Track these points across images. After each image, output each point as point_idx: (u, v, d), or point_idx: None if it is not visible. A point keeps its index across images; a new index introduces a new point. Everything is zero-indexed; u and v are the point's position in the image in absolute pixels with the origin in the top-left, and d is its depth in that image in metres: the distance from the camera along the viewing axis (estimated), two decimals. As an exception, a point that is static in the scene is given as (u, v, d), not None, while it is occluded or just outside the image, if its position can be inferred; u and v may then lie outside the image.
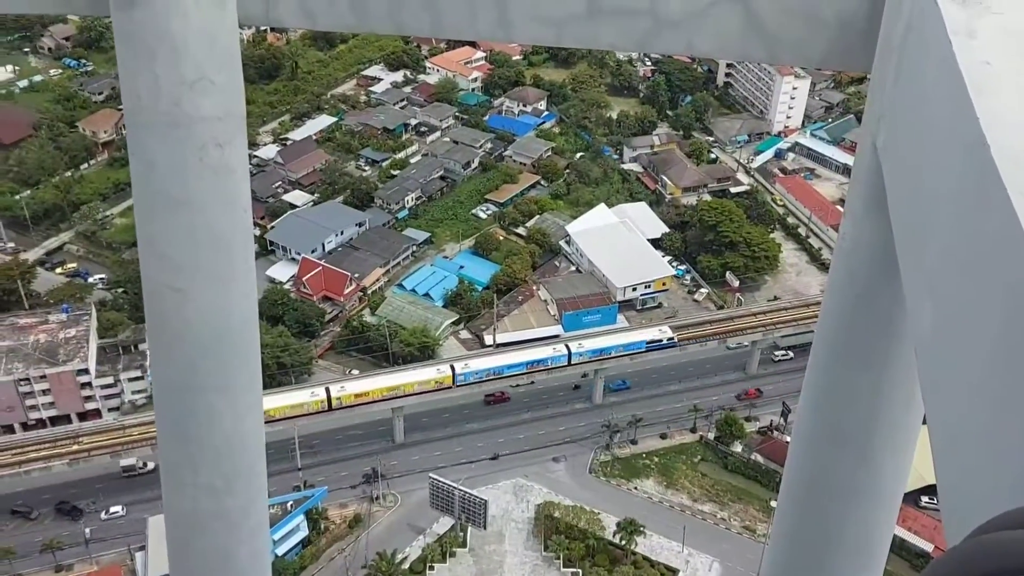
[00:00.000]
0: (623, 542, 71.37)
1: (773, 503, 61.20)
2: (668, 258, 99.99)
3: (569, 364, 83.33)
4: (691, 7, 4.12)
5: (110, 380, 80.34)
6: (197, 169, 4.66)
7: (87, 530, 71.38)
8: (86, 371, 78.92)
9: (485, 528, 71.85)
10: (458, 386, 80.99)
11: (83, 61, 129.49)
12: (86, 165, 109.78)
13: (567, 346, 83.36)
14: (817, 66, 4.45)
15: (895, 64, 3.56)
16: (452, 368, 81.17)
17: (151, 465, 73.02)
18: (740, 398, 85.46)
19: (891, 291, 3.89)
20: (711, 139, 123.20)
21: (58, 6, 4.75)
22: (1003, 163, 2.12)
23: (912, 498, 69.62)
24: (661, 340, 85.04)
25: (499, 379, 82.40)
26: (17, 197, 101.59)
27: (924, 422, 3.02)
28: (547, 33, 4.36)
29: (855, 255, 4.11)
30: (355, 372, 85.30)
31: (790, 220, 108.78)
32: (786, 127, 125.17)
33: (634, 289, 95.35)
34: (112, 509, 73.57)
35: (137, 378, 79.84)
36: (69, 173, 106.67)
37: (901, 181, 3.31)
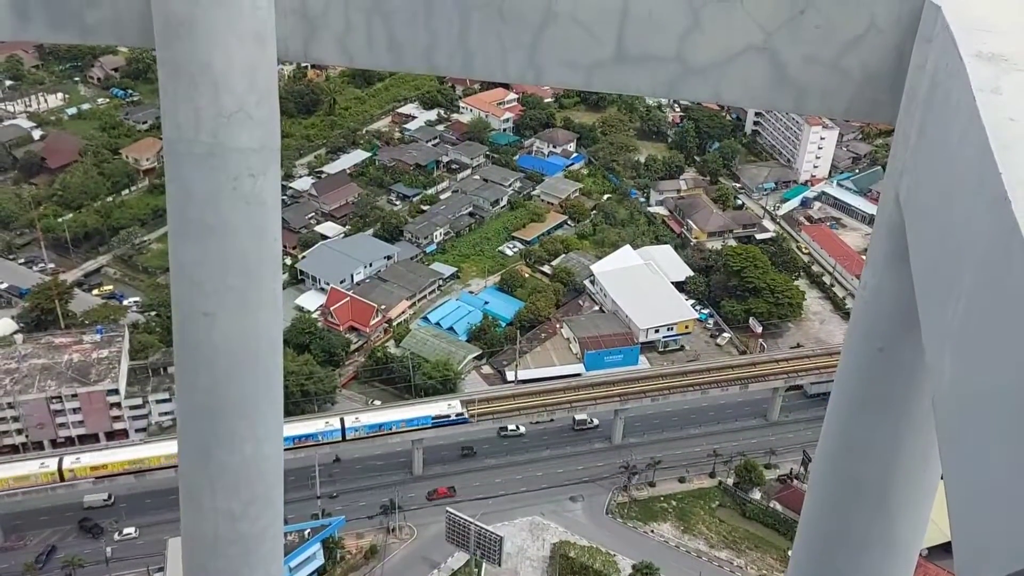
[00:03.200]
0: (639, 588, 69.87)
1: (791, 552, 59.29)
2: (692, 301, 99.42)
3: (343, 440, 76.80)
4: (718, 56, 4.19)
5: (139, 401, 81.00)
6: (230, 198, 4.78)
7: (108, 549, 71.40)
8: (116, 391, 79.64)
9: (500, 565, 70.78)
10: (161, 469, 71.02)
11: (130, 91, 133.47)
12: (127, 191, 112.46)
13: (342, 420, 77.19)
14: (842, 117, 4.49)
15: (919, 118, 3.59)
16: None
17: None
18: (430, 496, 77.56)
19: (911, 343, 3.86)
20: (738, 185, 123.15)
21: (108, 37, 4.93)
22: None
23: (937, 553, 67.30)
24: (449, 416, 79.23)
25: None
26: (60, 220, 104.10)
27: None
28: (576, 77, 4.45)
29: (875, 305, 4.10)
30: (377, 403, 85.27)
31: (815, 268, 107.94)
32: (813, 176, 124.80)
33: (657, 331, 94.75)
34: (125, 531, 73.58)
35: (165, 400, 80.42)
36: (111, 198, 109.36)
37: (923, 234, 3.31)
